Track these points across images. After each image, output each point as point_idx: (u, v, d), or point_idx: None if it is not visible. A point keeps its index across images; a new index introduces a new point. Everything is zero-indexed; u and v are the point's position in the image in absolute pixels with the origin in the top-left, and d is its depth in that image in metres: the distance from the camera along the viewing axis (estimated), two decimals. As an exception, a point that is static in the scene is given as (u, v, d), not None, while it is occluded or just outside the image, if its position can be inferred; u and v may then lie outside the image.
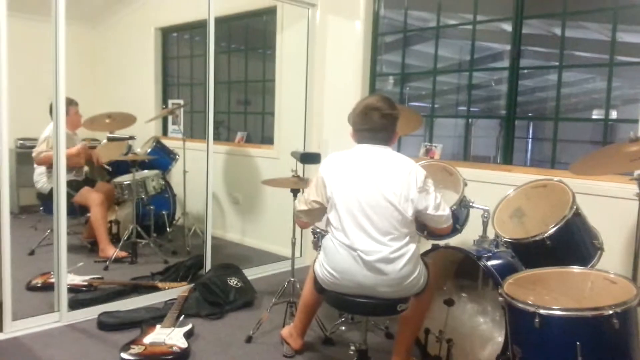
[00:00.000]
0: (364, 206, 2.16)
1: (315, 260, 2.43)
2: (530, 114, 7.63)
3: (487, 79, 6.32)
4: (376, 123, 2.25)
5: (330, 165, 2.30)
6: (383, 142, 2.28)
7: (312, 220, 2.45)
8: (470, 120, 4.12)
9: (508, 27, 3.51)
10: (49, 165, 3.82)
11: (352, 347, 2.34)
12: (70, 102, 4.32)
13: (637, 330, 1.99)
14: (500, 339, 2.49)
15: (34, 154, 4.08)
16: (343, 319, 3.13)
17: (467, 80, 3.84)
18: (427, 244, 2.70)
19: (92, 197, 4.26)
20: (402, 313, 2.32)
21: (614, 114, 5.70)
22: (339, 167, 2.28)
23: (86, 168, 4.66)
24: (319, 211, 2.33)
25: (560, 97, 3.35)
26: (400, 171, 2.21)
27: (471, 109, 4.11)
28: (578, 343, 1.85)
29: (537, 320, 1.92)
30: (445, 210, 2.29)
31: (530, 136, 8.36)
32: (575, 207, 2.42)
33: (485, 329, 2.64)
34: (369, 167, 2.23)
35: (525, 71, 3.76)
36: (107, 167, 4.65)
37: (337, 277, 2.21)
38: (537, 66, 4.19)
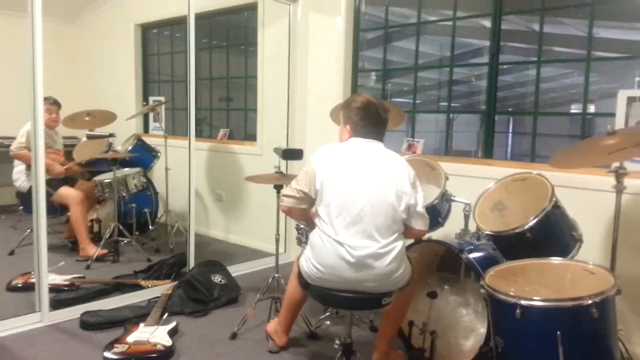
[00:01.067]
0: (359, 201, 2.17)
1: (299, 256, 2.44)
2: (510, 109, 7.73)
3: (467, 75, 6.39)
4: (378, 119, 2.31)
5: (323, 158, 2.28)
6: (378, 137, 2.33)
7: (295, 205, 2.31)
8: (451, 115, 4.16)
9: (488, 23, 3.55)
10: (28, 163, 3.76)
11: (337, 341, 2.35)
12: (54, 102, 4.28)
13: (615, 319, 2.04)
14: (482, 330, 2.53)
15: (12, 147, 4.00)
16: (328, 314, 3.14)
17: (448, 76, 3.88)
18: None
19: (71, 195, 4.20)
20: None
21: (591, 108, 5.80)
22: (332, 160, 2.26)
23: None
24: (302, 201, 2.28)
25: (539, 92, 3.40)
26: (394, 166, 2.25)
27: (452, 105, 4.15)
28: (558, 333, 1.90)
29: (518, 311, 1.96)
30: (425, 213, 2.32)
31: (510, 131, 8.47)
32: (554, 199, 2.47)
33: (468, 321, 2.68)
34: (364, 162, 2.24)
35: (505, 67, 3.81)
36: (83, 164, 4.60)
37: (323, 272, 2.21)
38: (515, 62, 4.25)
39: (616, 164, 2.37)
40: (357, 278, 2.17)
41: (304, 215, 2.36)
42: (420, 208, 2.26)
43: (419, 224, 2.28)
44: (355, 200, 2.17)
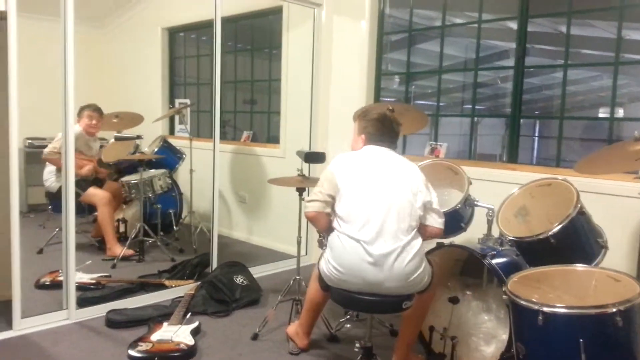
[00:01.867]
0: (377, 200, 2.22)
1: (320, 258, 2.45)
2: (536, 112, 7.62)
3: (493, 77, 6.32)
4: (393, 131, 2.46)
5: (340, 162, 2.38)
6: (394, 146, 2.46)
7: (321, 209, 2.32)
8: (475, 118, 4.12)
9: (514, 25, 3.50)
10: (59, 166, 3.86)
11: (357, 344, 2.36)
12: (96, 109, 4.39)
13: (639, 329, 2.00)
14: (504, 336, 2.51)
15: (46, 150, 4.10)
16: (348, 317, 3.15)
17: (473, 78, 3.84)
18: (432, 243, 2.70)
19: (98, 196, 4.29)
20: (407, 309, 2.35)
21: (620, 112, 5.68)
22: (349, 164, 2.36)
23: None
24: (327, 205, 2.32)
25: (565, 95, 3.34)
26: (407, 169, 2.35)
27: (477, 107, 4.11)
28: (581, 340, 1.86)
29: (540, 317, 1.93)
30: (441, 210, 2.38)
31: (536, 134, 8.34)
32: (579, 205, 2.43)
33: (490, 327, 2.65)
34: (380, 165, 2.34)
35: (532, 69, 3.75)
36: (111, 165, 4.69)
37: (342, 272, 2.23)
38: (542, 65, 4.19)
39: (643, 170, 2.33)
40: (377, 278, 2.18)
41: (328, 222, 2.35)
42: (435, 205, 2.33)
43: (436, 221, 2.33)
44: (373, 200, 2.23)
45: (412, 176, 2.32)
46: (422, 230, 2.33)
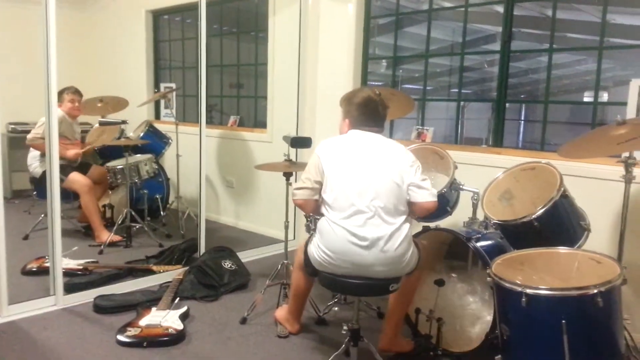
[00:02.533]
0: (364, 184, 2.21)
1: (305, 244, 2.45)
2: (523, 96, 7.67)
3: (480, 61, 6.34)
4: (378, 114, 2.40)
5: (325, 147, 2.35)
6: (380, 130, 2.41)
7: (309, 197, 2.34)
8: (462, 102, 4.14)
9: (500, 8, 3.50)
10: (43, 151, 3.80)
11: (345, 327, 2.38)
12: (77, 91, 4.31)
13: (620, 309, 2.05)
14: (489, 317, 2.55)
15: (29, 136, 4.04)
16: (336, 300, 3.18)
17: (459, 62, 3.85)
18: (418, 226, 2.74)
19: (80, 183, 4.21)
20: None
21: (605, 96, 5.73)
22: (334, 149, 2.33)
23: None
24: (315, 191, 2.33)
25: (550, 80, 3.36)
26: (393, 150, 2.33)
27: (464, 91, 4.13)
28: (563, 321, 1.91)
29: (523, 299, 1.98)
30: (431, 187, 2.31)
31: (522, 118, 8.40)
32: (562, 189, 2.47)
33: (475, 308, 2.70)
34: (366, 149, 2.31)
35: (517, 53, 3.77)
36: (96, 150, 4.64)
37: (332, 257, 2.24)
38: (527, 50, 4.21)
39: (626, 154, 2.36)
40: (366, 262, 2.19)
41: (316, 207, 2.36)
42: (422, 182, 2.28)
43: (425, 196, 2.26)
44: (360, 184, 2.22)
45: (398, 158, 2.29)
46: (415, 208, 2.29)
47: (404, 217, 2.25)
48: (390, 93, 3.20)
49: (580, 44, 4.95)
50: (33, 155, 4.22)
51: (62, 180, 4.16)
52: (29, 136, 4.04)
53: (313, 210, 2.40)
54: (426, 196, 2.27)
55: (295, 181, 2.39)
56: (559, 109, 6.48)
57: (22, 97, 4.25)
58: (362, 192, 2.21)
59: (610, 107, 3.66)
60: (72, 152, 4.28)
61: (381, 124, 2.43)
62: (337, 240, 2.22)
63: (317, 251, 2.30)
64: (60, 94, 4.18)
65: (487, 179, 2.84)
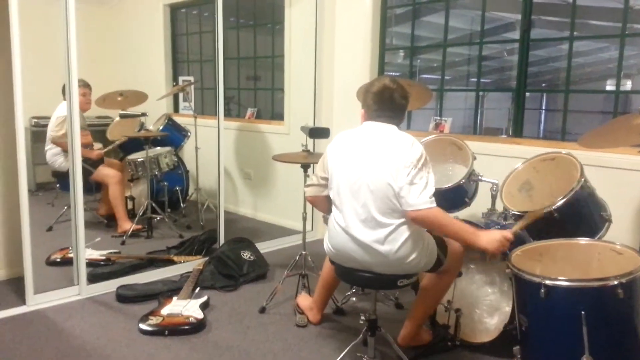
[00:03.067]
0: (362, 185, 2.13)
1: None
2: (543, 85, 7.55)
3: (499, 50, 6.25)
4: (393, 104, 2.22)
5: (335, 144, 2.29)
6: (395, 121, 2.25)
7: (318, 193, 2.35)
8: (480, 92, 4.09)
9: (519, -4, 3.45)
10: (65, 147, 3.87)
11: (363, 317, 2.40)
12: (86, 85, 4.37)
13: (641, 300, 2.03)
14: (507, 308, 2.54)
15: (53, 135, 4.12)
16: (354, 290, 3.20)
17: (478, 51, 3.80)
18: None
19: (110, 175, 4.35)
20: (424, 284, 2.41)
21: (629, 84, 5.60)
22: (343, 145, 2.26)
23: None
24: (324, 188, 2.31)
25: (571, 68, 3.31)
26: (397, 147, 2.13)
27: (483, 80, 4.09)
28: (583, 312, 1.89)
29: (542, 290, 1.96)
30: (417, 197, 2.03)
31: (543, 107, 8.26)
32: (583, 179, 2.43)
33: (493, 299, 2.69)
34: (369, 145, 2.18)
35: (537, 42, 3.71)
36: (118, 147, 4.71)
37: (335, 253, 2.27)
38: (547, 38, 4.14)
39: (648, 143, 2.32)
40: (366, 261, 2.17)
41: (328, 203, 2.33)
42: (405, 187, 2.04)
43: (406, 206, 2.05)
44: (354, 183, 2.14)
45: (396, 157, 2.09)
46: (406, 214, 2.09)
47: (402, 220, 2.10)
48: (407, 84, 3.17)
49: (602, 31, 4.85)
50: (54, 152, 4.29)
51: (91, 173, 4.30)
52: (52, 135, 4.12)
53: (325, 208, 2.37)
54: (406, 206, 2.04)
55: (313, 173, 2.39)
56: (583, 98, 6.36)
57: (44, 92, 4.32)
58: (356, 192, 2.14)
59: (635, 95, 3.58)
60: (95, 153, 4.38)
61: (399, 115, 2.25)
62: (338, 239, 2.22)
63: (327, 245, 2.32)
64: None
65: (507, 169, 2.82)
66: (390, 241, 2.11)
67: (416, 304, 2.56)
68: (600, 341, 1.91)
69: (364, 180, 2.13)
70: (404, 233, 2.11)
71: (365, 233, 2.13)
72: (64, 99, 3.90)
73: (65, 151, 4.14)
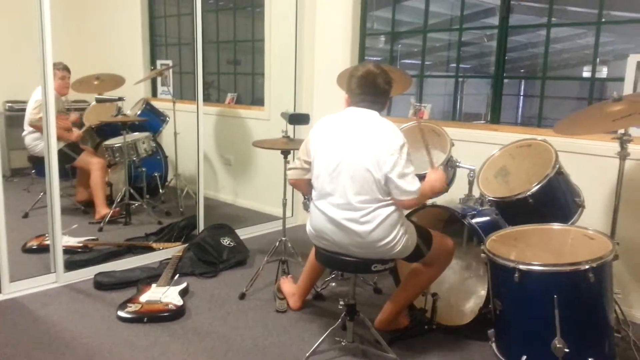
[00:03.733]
0: (342, 170, 2.16)
1: None
2: (522, 70, 7.61)
3: (479, 35, 6.27)
4: (376, 89, 2.25)
5: (318, 129, 2.33)
6: (374, 106, 2.26)
7: (300, 177, 2.39)
8: (459, 79, 4.11)
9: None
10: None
11: (341, 302, 2.42)
12: (65, 68, 4.28)
13: (611, 284, 2.09)
14: (483, 292, 2.60)
15: (31, 118, 4.05)
16: (333, 276, 3.23)
17: (458, 37, 3.81)
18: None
19: (93, 161, 4.33)
20: (411, 271, 2.46)
21: (605, 70, 5.68)
22: (325, 130, 2.30)
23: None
24: (306, 171, 2.36)
25: (548, 55, 3.34)
26: (379, 134, 2.17)
27: (463, 66, 4.11)
28: (555, 296, 1.95)
29: (516, 275, 2.01)
30: (412, 185, 2.14)
31: (522, 93, 8.35)
32: (557, 165, 2.48)
33: (470, 284, 2.74)
34: (350, 130, 2.21)
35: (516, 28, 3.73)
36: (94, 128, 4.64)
37: (315, 235, 2.32)
38: (524, 25, 4.16)
39: (621, 131, 2.37)
40: (342, 241, 2.21)
41: (310, 186, 2.36)
42: (394, 175, 2.11)
43: (397, 194, 2.14)
44: (333, 166, 2.18)
45: (378, 144, 2.13)
46: (397, 202, 2.18)
47: (380, 203, 2.15)
48: (388, 69, 3.18)
49: (580, 17, 4.89)
50: (34, 137, 4.21)
51: (73, 159, 4.24)
52: (30, 118, 4.05)
53: (306, 190, 2.42)
54: (399, 195, 2.14)
55: (293, 159, 2.41)
56: (561, 84, 6.44)
57: (18, 76, 4.23)
58: (334, 175, 2.18)
59: (611, 81, 3.63)
60: (74, 134, 4.32)
61: (382, 99, 2.27)
62: (317, 220, 2.28)
63: (308, 228, 2.38)
64: None
65: (484, 155, 2.85)
66: (365, 222, 2.15)
67: (398, 291, 2.61)
68: (572, 324, 1.97)
69: (343, 165, 2.16)
70: (380, 216, 2.15)
71: (341, 214, 2.18)
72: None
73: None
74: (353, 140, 2.18)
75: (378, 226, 2.15)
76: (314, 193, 2.30)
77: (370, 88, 2.25)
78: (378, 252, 2.22)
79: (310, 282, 2.88)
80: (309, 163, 2.33)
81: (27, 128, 4.22)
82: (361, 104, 2.26)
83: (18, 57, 4.09)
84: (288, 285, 2.98)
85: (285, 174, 3.09)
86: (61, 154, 3.45)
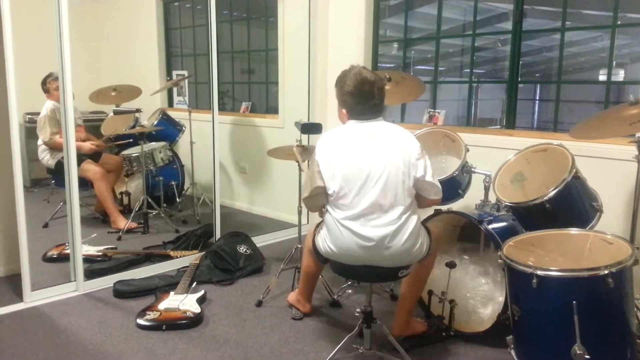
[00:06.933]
0: (370, 182, 2.11)
1: (314, 231, 2.44)
2: (537, 75, 7.56)
3: (493, 40, 6.25)
4: (375, 97, 2.21)
5: (324, 145, 2.24)
6: (377, 114, 2.24)
7: (317, 203, 2.31)
8: (473, 84, 4.10)
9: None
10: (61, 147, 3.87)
11: (358, 309, 2.42)
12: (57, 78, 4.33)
13: (631, 289, 2.06)
14: (501, 298, 2.58)
15: (44, 139, 4.11)
16: (349, 283, 3.22)
17: (471, 43, 3.81)
18: (430, 209, 2.75)
19: (92, 171, 4.26)
20: (405, 277, 2.40)
21: (621, 73, 5.62)
22: (333, 145, 2.21)
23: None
24: (320, 197, 2.25)
25: (562, 59, 3.32)
26: (398, 140, 2.17)
27: (477, 71, 4.10)
28: (574, 302, 1.93)
29: (534, 280, 2.00)
30: (437, 181, 2.23)
31: (537, 97, 8.28)
32: (574, 170, 2.46)
33: (487, 290, 2.72)
34: (367, 141, 2.17)
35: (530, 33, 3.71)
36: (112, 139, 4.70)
37: (337, 253, 2.22)
38: (538, 30, 4.14)
39: (638, 134, 2.34)
40: (373, 259, 2.17)
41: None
42: (429, 177, 2.17)
43: (431, 194, 2.21)
44: (361, 182, 2.12)
45: (404, 152, 2.14)
46: (420, 200, 2.22)
47: (409, 212, 2.15)
48: (401, 76, 3.20)
49: (594, 20, 4.86)
50: (42, 149, 4.28)
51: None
52: (43, 139, 4.10)
53: (319, 210, 2.36)
54: (433, 194, 2.22)
55: (308, 167, 2.36)
56: (577, 87, 6.38)
57: (37, 88, 4.30)
58: (363, 191, 2.12)
59: (628, 84, 3.59)
60: (88, 146, 4.35)
61: (380, 109, 2.24)
62: (343, 240, 2.17)
63: (324, 245, 2.27)
64: (43, 84, 4.14)
65: (499, 161, 2.84)
66: (398, 235, 2.12)
67: (403, 293, 2.59)
68: (592, 330, 1.95)
69: (371, 179, 2.11)
70: (409, 227, 2.14)
71: (374, 231, 2.11)
72: (44, 92, 3.90)
73: (52, 149, 4.15)
74: (376, 152, 2.13)
75: (410, 235, 2.14)
76: (339, 213, 2.17)
77: (368, 100, 2.20)
78: (407, 259, 2.21)
79: (311, 286, 2.87)
80: (322, 188, 2.20)
81: (39, 142, 4.29)
82: (364, 117, 2.22)
83: (37, 69, 4.18)
84: (291, 295, 2.99)
85: (300, 181, 3.12)
86: (60, 165, 3.46)
